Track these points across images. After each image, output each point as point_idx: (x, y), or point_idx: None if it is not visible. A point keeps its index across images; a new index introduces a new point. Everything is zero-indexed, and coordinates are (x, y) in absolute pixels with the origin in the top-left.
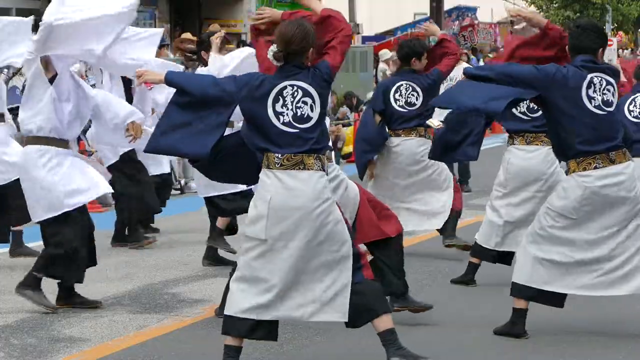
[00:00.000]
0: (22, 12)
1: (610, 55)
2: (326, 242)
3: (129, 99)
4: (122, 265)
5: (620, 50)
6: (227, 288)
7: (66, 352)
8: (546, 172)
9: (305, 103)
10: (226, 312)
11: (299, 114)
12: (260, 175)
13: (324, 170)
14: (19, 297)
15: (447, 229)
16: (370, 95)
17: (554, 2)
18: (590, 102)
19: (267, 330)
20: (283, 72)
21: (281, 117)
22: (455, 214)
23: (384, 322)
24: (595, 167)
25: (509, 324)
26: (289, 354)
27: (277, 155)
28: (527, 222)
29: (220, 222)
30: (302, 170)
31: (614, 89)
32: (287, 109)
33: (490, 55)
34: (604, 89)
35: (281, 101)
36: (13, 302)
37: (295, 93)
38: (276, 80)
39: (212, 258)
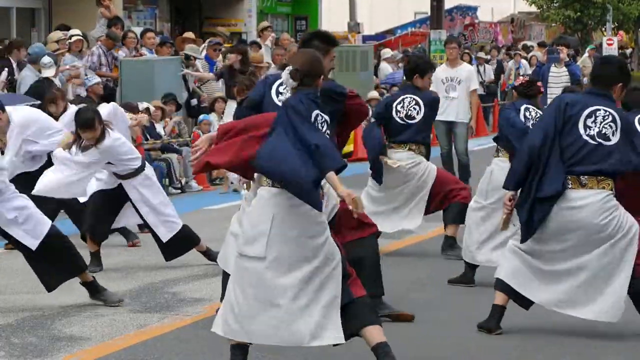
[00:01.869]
0: (22, 12)
1: (611, 55)
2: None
3: None
4: (122, 264)
5: (621, 50)
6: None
7: (67, 351)
8: None
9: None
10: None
11: None
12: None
13: None
14: (20, 296)
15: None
16: (371, 94)
17: (555, 1)
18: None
19: None
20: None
21: None
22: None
23: (376, 334)
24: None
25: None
26: (290, 352)
27: None
28: None
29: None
30: None
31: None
32: None
33: (486, 56)
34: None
35: None
36: (13, 301)
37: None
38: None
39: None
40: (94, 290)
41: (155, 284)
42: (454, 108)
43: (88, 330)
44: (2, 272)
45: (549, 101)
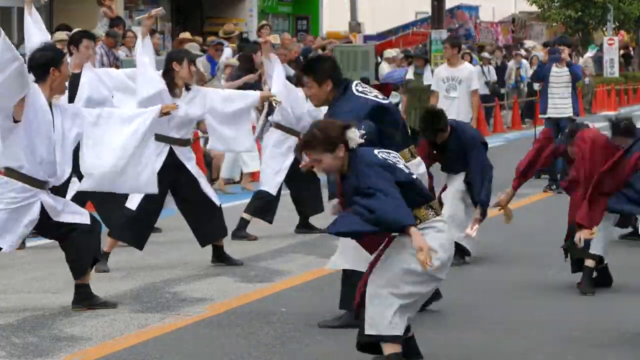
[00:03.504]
0: (23, 11)
1: (612, 54)
2: None
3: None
4: (123, 264)
5: (624, 50)
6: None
7: (68, 351)
8: None
9: None
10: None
11: None
12: None
13: None
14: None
15: None
16: None
17: (555, 1)
18: None
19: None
20: None
21: None
22: None
23: None
24: None
25: None
26: (291, 352)
27: None
28: None
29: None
30: None
31: None
32: None
33: (490, 56)
34: None
35: None
36: (15, 301)
37: None
38: None
39: (219, 257)
40: (88, 295)
41: (156, 284)
42: (455, 108)
43: (89, 330)
44: (2, 272)
45: (549, 101)
